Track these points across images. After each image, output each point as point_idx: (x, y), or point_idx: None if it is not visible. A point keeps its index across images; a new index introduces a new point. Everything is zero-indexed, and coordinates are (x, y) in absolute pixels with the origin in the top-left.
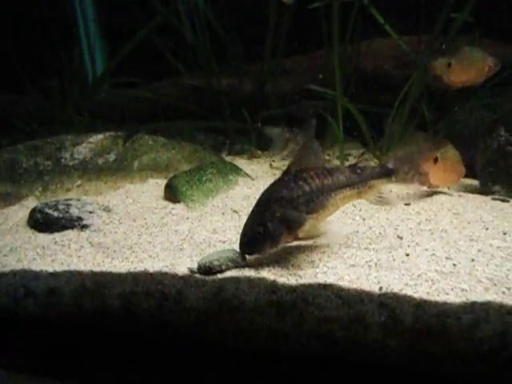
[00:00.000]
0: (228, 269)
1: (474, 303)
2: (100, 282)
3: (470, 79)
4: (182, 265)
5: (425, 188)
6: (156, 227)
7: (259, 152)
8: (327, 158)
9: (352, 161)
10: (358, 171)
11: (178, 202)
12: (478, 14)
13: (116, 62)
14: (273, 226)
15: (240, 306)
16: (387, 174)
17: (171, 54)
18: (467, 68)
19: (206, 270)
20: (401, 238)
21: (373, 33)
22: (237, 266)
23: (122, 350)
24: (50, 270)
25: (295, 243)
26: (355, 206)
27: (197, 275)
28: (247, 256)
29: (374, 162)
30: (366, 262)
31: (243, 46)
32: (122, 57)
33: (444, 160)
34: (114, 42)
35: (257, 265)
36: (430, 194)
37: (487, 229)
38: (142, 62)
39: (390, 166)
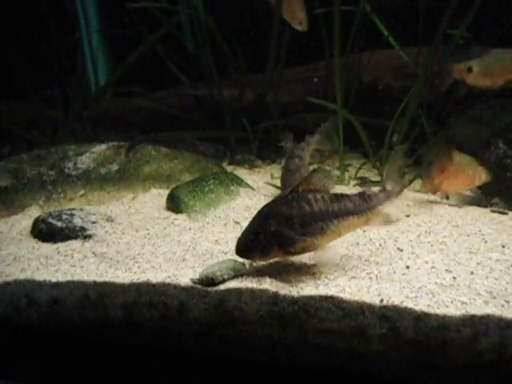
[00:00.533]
0: (230, 278)
1: (473, 316)
2: (103, 293)
3: (498, 81)
4: (185, 276)
5: (434, 197)
6: (159, 238)
7: (260, 162)
8: (327, 168)
9: (352, 171)
10: (367, 198)
11: (181, 212)
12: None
13: (119, 72)
14: (264, 240)
15: (242, 317)
16: (388, 196)
17: (173, 64)
18: (495, 70)
19: (209, 281)
20: (401, 250)
21: (374, 44)
22: (238, 274)
23: (124, 361)
24: (54, 280)
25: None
26: None
27: (199, 286)
28: (245, 260)
29: (373, 173)
30: (367, 273)
31: (245, 56)
32: (125, 67)
33: (454, 166)
34: (117, 51)
35: (259, 276)
36: (430, 206)
37: (486, 241)
38: (143, 72)
39: (388, 188)
